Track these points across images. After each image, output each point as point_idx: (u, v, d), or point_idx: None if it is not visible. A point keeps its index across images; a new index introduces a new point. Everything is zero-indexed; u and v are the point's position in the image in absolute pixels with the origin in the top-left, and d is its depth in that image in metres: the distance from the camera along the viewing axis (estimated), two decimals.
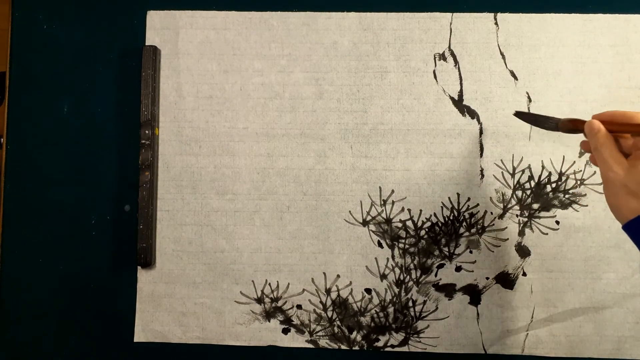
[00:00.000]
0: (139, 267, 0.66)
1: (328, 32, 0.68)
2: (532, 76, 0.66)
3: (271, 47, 0.68)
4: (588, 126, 0.48)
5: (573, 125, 0.52)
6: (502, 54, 0.67)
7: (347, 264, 0.65)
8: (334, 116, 0.67)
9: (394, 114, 0.66)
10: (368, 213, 0.65)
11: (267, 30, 0.68)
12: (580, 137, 0.52)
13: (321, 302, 0.65)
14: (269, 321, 0.65)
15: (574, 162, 0.65)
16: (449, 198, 0.65)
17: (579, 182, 0.65)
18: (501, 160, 0.66)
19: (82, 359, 0.65)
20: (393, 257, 0.65)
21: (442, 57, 0.67)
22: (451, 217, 0.65)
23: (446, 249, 0.65)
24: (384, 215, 0.65)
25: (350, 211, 0.66)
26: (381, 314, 0.65)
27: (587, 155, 0.65)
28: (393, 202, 0.65)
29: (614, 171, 0.46)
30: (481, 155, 0.66)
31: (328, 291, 0.65)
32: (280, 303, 0.65)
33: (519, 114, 0.59)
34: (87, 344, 0.65)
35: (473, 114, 0.66)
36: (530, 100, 0.66)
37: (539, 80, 0.66)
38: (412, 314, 0.64)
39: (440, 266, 0.65)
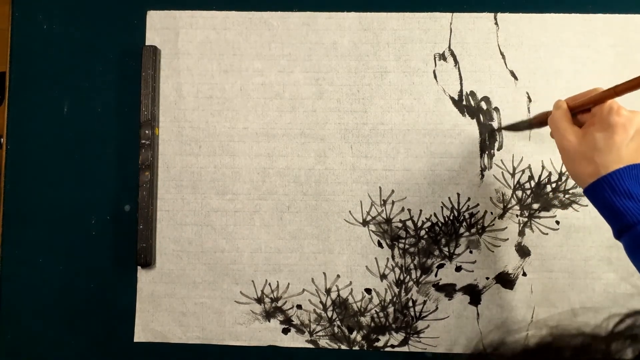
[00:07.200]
0: (139, 267, 0.66)
1: (328, 32, 0.68)
2: (532, 76, 0.66)
3: (271, 47, 0.68)
4: (555, 104, 0.54)
5: (543, 117, 0.59)
6: (502, 54, 0.67)
7: (347, 264, 0.65)
8: (334, 116, 0.67)
9: (394, 114, 0.66)
10: (368, 213, 0.65)
11: (267, 30, 0.68)
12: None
13: (321, 302, 0.65)
14: (269, 321, 0.65)
15: None
16: (449, 198, 0.65)
17: None
18: (501, 160, 0.66)
19: (82, 359, 0.65)
20: (393, 257, 0.65)
21: (442, 57, 0.67)
22: (451, 217, 0.65)
23: (446, 249, 0.65)
24: (384, 215, 0.65)
25: (350, 211, 0.66)
26: (381, 314, 0.64)
27: None
28: (393, 202, 0.65)
29: (568, 140, 0.49)
30: (481, 155, 0.66)
31: (328, 291, 0.65)
32: (280, 303, 0.65)
33: (505, 128, 0.66)
34: (87, 344, 0.65)
35: (473, 114, 0.66)
36: (530, 100, 0.66)
37: (539, 80, 0.66)
38: (412, 314, 0.64)
39: (440, 266, 0.65)
